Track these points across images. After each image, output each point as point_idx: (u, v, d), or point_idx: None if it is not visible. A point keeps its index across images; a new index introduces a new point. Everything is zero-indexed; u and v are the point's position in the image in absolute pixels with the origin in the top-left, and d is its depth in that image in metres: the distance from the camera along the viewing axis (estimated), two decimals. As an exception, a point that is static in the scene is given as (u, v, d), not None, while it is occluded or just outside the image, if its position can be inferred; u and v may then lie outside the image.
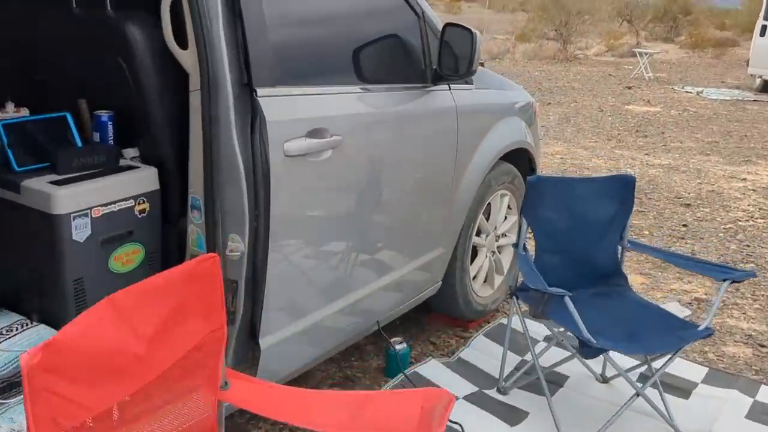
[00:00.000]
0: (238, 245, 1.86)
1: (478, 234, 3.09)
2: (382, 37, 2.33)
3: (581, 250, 2.63)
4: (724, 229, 4.90)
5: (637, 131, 8.69)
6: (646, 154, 7.35)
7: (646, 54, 15.77)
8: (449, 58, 2.46)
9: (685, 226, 4.93)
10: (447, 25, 2.46)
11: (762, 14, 12.83)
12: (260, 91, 1.78)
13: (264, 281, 1.88)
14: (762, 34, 12.43)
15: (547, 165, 6.60)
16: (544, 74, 14.90)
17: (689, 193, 5.79)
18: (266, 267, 1.87)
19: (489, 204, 3.12)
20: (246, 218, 1.84)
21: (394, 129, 2.33)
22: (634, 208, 5.32)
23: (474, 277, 3.15)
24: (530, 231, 2.62)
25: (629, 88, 13.06)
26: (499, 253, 3.30)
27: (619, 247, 2.69)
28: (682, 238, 4.64)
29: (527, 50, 19.93)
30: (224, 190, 1.83)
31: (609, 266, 2.67)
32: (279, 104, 1.84)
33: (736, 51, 24.06)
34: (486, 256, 3.21)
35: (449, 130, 2.64)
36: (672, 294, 3.72)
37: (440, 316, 3.20)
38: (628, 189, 2.64)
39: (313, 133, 1.93)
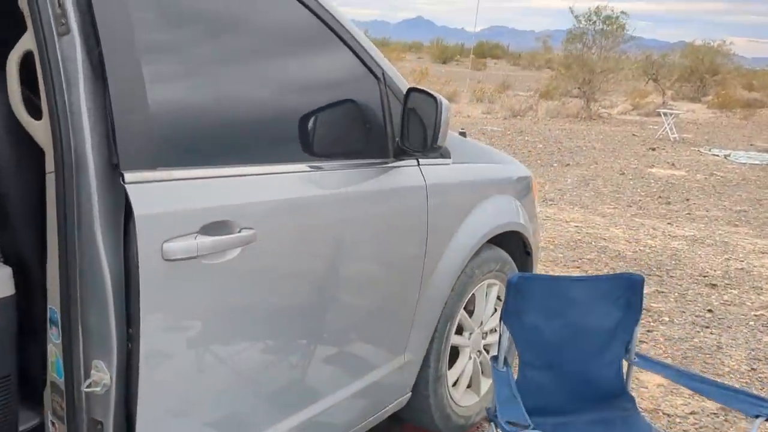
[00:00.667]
0: (102, 375, 1.41)
1: (459, 332, 2.61)
2: (326, 103, 1.91)
3: (577, 365, 2.13)
4: (755, 316, 4.33)
5: (659, 197, 8.17)
6: (669, 223, 6.82)
7: (671, 114, 15.31)
8: (414, 130, 2.03)
9: (710, 311, 4.37)
10: (411, 90, 2.04)
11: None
12: (130, 176, 1.35)
13: (134, 423, 1.42)
14: (793, 96, 11.90)
15: (561, 234, 6.10)
16: (565, 133, 14.49)
17: (715, 271, 5.23)
18: (137, 404, 1.41)
19: (474, 295, 2.64)
20: (113, 341, 1.39)
21: (336, 216, 1.88)
22: (654, 288, 4.83)
23: (454, 383, 2.65)
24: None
25: (653, 149, 12.58)
26: (487, 353, 2.80)
27: (625, 363, 2.18)
28: (707, 327, 4.09)
29: (550, 108, 19.62)
30: (85, 303, 1.39)
31: (612, 386, 2.16)
32: (159, 192, 1.40)
33: (764, 112, 23.51)
34: (469, 357, 2.71)
35: (416, 213, 2.19)
36: (696, 399, 3.17)
37: (415, 428, 2.69)
38: (636, 290, 2.14)
39: (211, 229, 1.49)
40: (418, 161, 2.20)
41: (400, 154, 2.09)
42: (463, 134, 2.61)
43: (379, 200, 2.06)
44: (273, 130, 1.78)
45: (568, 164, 10.28)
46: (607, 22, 19.45)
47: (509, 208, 2.72)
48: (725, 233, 6.49)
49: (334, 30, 1.92)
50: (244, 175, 1.62)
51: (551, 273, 5.00)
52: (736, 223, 6.97)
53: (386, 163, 2.07)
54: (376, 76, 2.05)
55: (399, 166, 2.12)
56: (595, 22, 19.52)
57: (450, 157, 2.38)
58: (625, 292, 2.13)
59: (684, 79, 31.15)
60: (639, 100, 23.95)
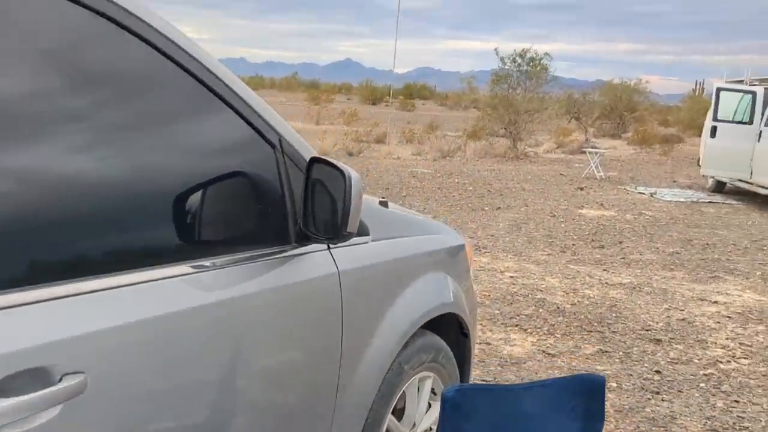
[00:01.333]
0: None
1: (387, 438, 2.18)
2: (205, 181, 1.48)
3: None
4: (705, 376, 4.07)
5: (592, 240, 8.02)
6: (605, 269, 6.62)
7: (596, 153, 15.53)
8: (320, 210, 1.62)
9: (658, 372, 4.08)
10: (313, 160, 1.64)
11: (710, 115, 12.69)
12: None
13: None
14: (713, 135, 12.22)
15: (496, 286, 5.78)
16: (494, 174, 14.44)
17: (658, 323, 4.99)
18: None
19: (404, 393, 2.23)
20: None
21: (219, 328, 1.44)
22: (598, 347, 4.51)
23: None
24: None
25: (581, 188, 12.62)
26: (422, 458, 2.37)
27: (587, 483, 1.80)
28: (657, 393, 3.78)
29: (478, 148, 19.70)
30: None
31: None
32: None
33: (682, 148, 24.38)
34: (401, 467, 2.27)
35: (327, 308, 1.77)
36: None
37: None
38: (596, 395, 1.77)
39: (15, 383, 1.02)
40: (328, 244, 1.78)
41: (304, 239, 1.68)
42: (384, 204, 2.21)
43: (277, 300, 1.62)
44: (128, 224, 1.33)
45: (499, 207, 10.11)
46: (531, 64, 19.81)
47: (442, 288, 2.33)
48: (662, 279, 6.33)
49: (214, 89, 1.50)
50: (76, 295, 1.16)
51: (489, 332, 4.65)
52: (671, 267, 6.85)
53: (286, 251, 1.65)
54: (271, 144, 1.64)
55: (303, 254, 1.70)
56: (519, 63, 19.86)
57: (369, 234, 1.97)
58: (585, 398, 1.76)
59: (604, 116, 32.19)
60: (563, 138, 24.47)
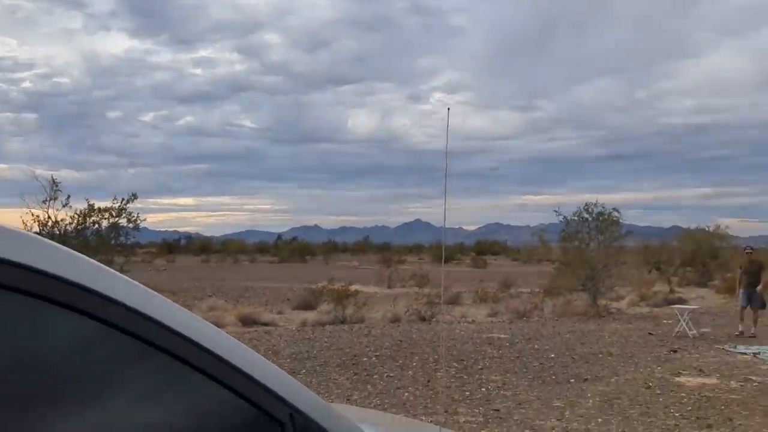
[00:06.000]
0: None
1: None
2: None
3: None
4: None
5: (697, 418, 7.04)
6: (721, 460, 5.66)
7: (686, 311, 14.44)
8: None
9: None
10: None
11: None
12: None
13: None
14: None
15: (593, 490, 4.94)
16: (576, 336, 13.53)
17: None
18: None
19: None
20: None
21: None
22: None
23: None
24: None
25: (674, 351, 11.55)
26: None
27: None
28: None
29: (556, 306, 18.83)
30: None
31: None
32: None
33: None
34: None
35: None
36: None
37: None
38: None
39: None
40: None
41: None
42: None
43: None
44: None
45: (586, 378, 9.22)
46: (599, 218, 19.33)
47: None
48: (793, 472, 5.33)
49: (187, 359, 1.12)
50: None
51: None
52: (801, 454, 5.82)
53: None
54: (278, 421, 1.23)
55: None
56: (587, 219, 19.41)
57: None
58: None
59: (686, 264, 30.82)
60: (645, 291, 23.26)
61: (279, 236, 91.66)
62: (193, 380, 1.13)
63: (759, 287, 13.85)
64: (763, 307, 13.93)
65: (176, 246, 72.69)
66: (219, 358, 1.15)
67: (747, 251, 15.10)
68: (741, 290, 14.06)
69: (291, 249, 66.07)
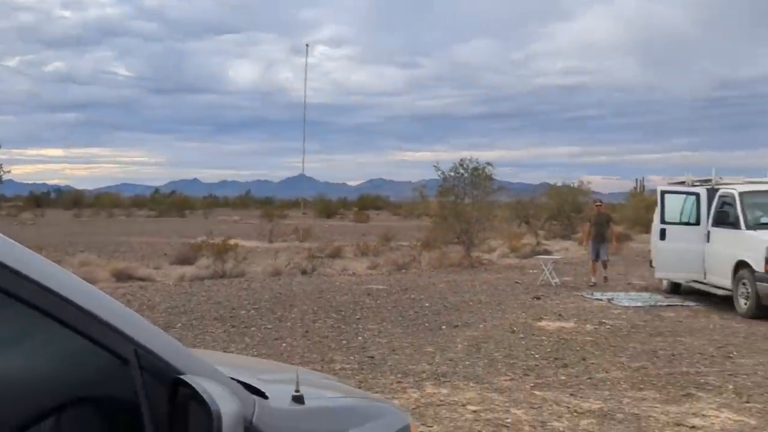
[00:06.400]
0: None
1: None
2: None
3: None
4: None
5: (555, 359, 7.63)
6: (572, 394, 6.19)
7: (549, 260, 15.44)
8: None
9: None
10: (177, 382, 1.23)
11: (657, 217, 12.80)
12: None
13: None
14: (662, 237, 12.26)
15: (458, 426, 5.27)
16: (450, 286, 14.12)
17: (636, 461, 4.55)
18: None
19: None
20: None
21: None
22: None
23: None
24: None
25: (538, 298, 12.36)
26: None
27: None
28: None
29: (433, 258, 19.48)
30: None
31: None
32: None
33: (632, 246, 24.62)
34: None
35: None
36: None
37: None
38: None
39: None
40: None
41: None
42: (298, 399, 1.78)
43: None
44: None
45: (457, 325, 9.70)
46: (474, 173, 20.07)
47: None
48: (632, 401, 5.93)
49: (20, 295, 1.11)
50: None
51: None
52: (640, 385, 6.46)
53: None
54: (122, 359, 1.24)
55: None
56: (462, 174, 20.10)
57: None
58: None
59: (552, 218, 32.74)
60: (515, 243, 24.53)
61: (156, 190, 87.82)
62: (30, 318, 1.12)
63: (609, 242, 14.82)
64: (606, 260, 14.89)
65: (45, 199, 68.10)
66: (56, 295, 1.13)
67: (596, 204, 15.99)
68: (591, 242, 14.99)
69: (169, 203, 63.81)
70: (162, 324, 9.45)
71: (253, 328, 9.29)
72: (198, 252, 18.22)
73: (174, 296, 12.12)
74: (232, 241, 17.87)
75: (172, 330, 9.05)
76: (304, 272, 16.75)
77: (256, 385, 1.61)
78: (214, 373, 1.31)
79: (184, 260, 18.08)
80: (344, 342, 8.49)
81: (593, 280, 14.69)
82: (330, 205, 65.26)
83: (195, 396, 1.16)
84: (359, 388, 5.94)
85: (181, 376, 1.23)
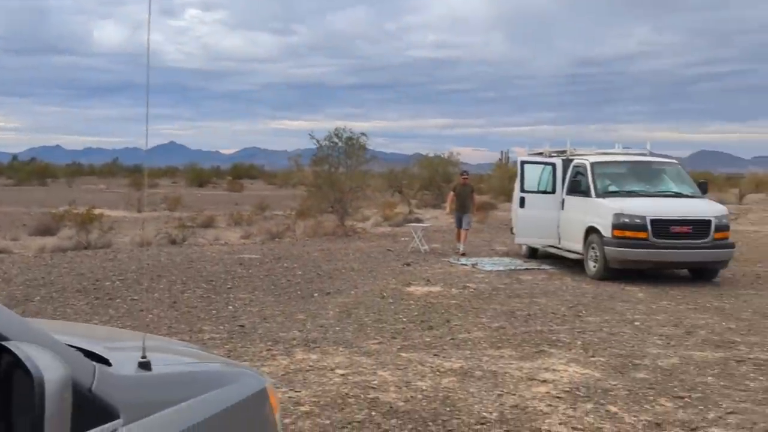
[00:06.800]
0: None
1: None
2: None
3: None
4: (541, 469, 3.93)
5: (422, 321, 7.94)
6: (435, 354, 6.49)
7: (419, 227, 15.92)
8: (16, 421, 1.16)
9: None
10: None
11: (517, 186, 13.50)
12: None
13: None
14: (522, 205, 12.97)
15: (327, 389, 5.38)
16: (323, 254, 14.22)
17: (492, 413, 4.86)
18: None
19: None
20: None
21: None
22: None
23: None
24: None
25: (408, 264, 12.74)
26: None
27: None
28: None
29: (307, 227, 19.48)
30: None
31: None
32: None
33: (496, 214, 25.81)
34: None
35: None
36: None
37: None
38: None
39: None
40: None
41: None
42: (145, 365, 1.76)
43: None
44: None
45: (329, 292, 9.82)
46: (348, 143, 20.18)
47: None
48: (491, 359, 6.30)
49: None
50: None
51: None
52: (498, 344, 6.88)
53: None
54: None
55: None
56: (336, 143, 20.16)
57: (119, 416, 1.52)
58: None
59: (424, 187, 33.69)
60: (388, 212, 25.03)
61: (14, 157, 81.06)
62: None
63: (471, 212, 15.34)
64: (468, 228, 15.45)
65: None
66: None
67: (463, 176, 16.56)
68: (455, 212, 15.40)
69: (29, 171, 59.27)
70: (20, 297, 8.86)
71: (118, 300, 8.92)
72: (60, 222, 17.23)
73: (33, 268, 11.37)
74: (97, 211, 16.97)
75: (30, 303, 8.51)
76: (173, 242, 16.21)
77: (99, 353, 1.57)
78: (45, 339, 1.27)
79: (45, 231, 17.04)
80: (214, 312, 8.36)
81: (460, 247, 15.29)
82: (202, 173, 63.19)
83: (18, 363, 1.12)
84: (228, 357, 5.90)
85: (3, 343, 1.18)
